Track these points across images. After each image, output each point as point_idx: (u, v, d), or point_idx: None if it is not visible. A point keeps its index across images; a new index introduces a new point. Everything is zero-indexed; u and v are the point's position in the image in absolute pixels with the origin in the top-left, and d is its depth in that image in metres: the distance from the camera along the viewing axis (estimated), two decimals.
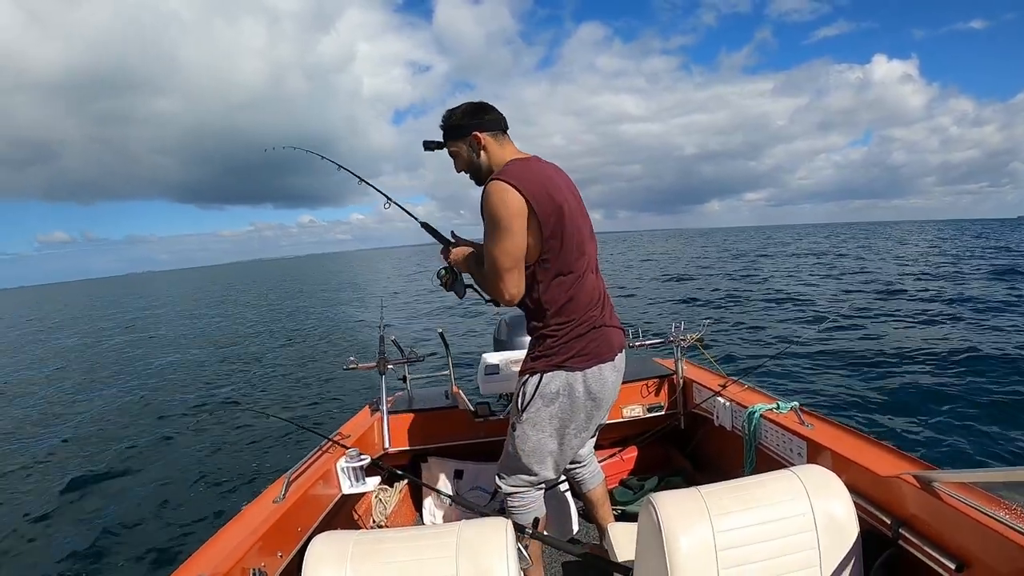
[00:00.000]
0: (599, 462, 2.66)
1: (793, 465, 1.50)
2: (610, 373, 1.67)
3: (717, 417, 2.29)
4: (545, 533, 1.84)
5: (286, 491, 1.72)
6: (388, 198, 2.12)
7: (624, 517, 2.37)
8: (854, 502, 1.16)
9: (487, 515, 1.70)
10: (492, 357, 2.61)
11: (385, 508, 2.47)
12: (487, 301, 1.81)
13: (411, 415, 2.55)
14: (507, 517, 1.36)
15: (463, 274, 1.84)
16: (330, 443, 2.11)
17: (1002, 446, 4.05)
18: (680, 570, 1.06)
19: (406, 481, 2.41)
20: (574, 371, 1.61)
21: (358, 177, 2.25)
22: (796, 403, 1.91)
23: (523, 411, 1.67)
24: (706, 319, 2.70)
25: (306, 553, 1.09)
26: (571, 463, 1.96)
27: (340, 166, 2.28)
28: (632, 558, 1.31)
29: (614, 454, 2.70)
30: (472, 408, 2.55)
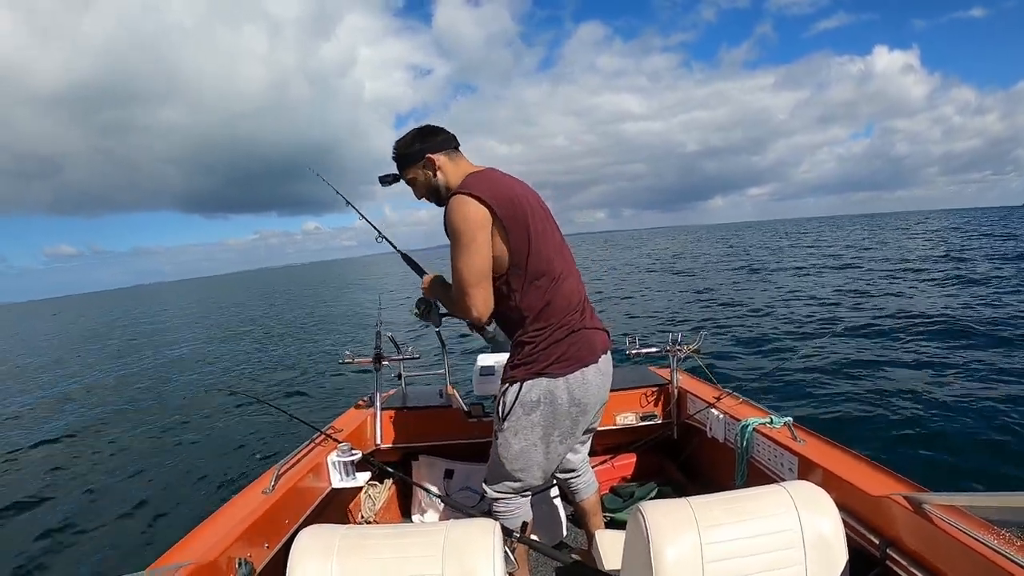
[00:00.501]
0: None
1: (784, 480, 1.50)
2: (594, 376, 1.65)
3: (710, 429, 2.29)
4: (533, 538, 1.84)
5: (275, 483, 1.72)
6: (379, 232, 2.22)
7: (613, 524, 2.37)
8: (843, 520, 1.16)
9: (475, 516, 1.70)
10: (488, 358, 2.61)
11: (374, 504, 2.47)
12: (472, 329, 1.81)
13: (404, 412, 2.55)
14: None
15: (436, 302, 1.84)
16: (322, 436, 2.11)
17: (994, 470, 4.06)
18: None
19: (396, 478, 2.41)
20: (555, 377, 1.59)
21: (359, 213, 2.31)
22: (789, 418, 1.91)
23: (504, 420, 1.66)
24: (703, 330, 2.70)
25: (292, 545, 1.08)
26: (565, 472, 1.95)
27: (346, 200, 2.35)
28: (619, 566, 1.31)
29: (605, 461, 2.69)
30: (465, 408, 2.55)
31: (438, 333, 2.73)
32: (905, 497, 1.30)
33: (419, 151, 1.65)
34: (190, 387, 8.69)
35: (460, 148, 1.69)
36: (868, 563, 1.34)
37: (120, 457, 5.62)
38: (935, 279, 13.94)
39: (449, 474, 2.61)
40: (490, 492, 1.78)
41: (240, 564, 1.39)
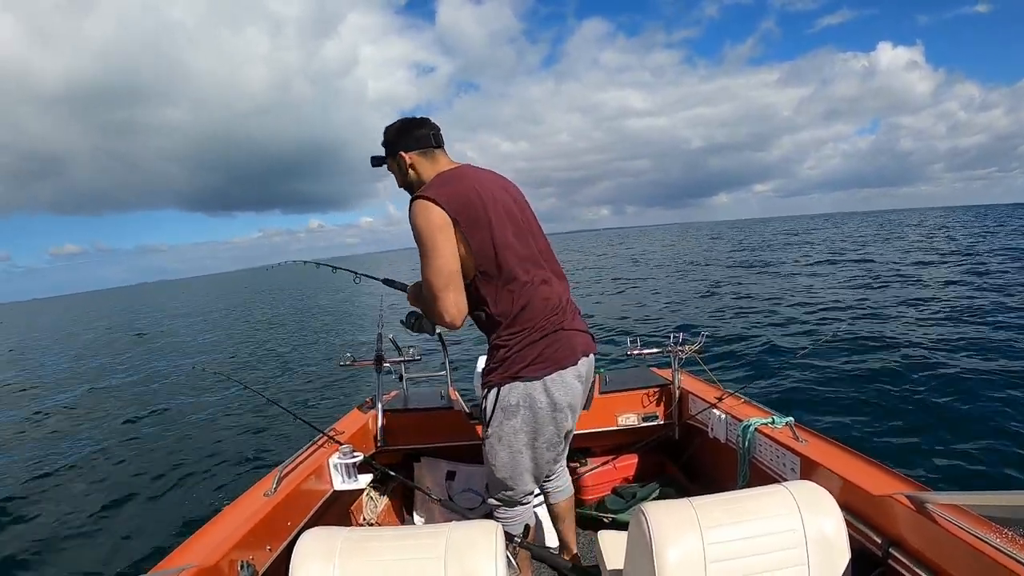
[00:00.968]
0: (592, 469, 2.67)
1: (786, 480, 1.50)
2: (573, 379, 1.60)
3: (712, 429, 2.28)
4: (533, 542, 1.84)
5: (277, 485, 1.72)
6: (357, 274, 2.40)
7: (615, 525, 2.37)
8: (846, 520, 1.16)
9: (477, 518, 1.70)
10: None
11: (376, 506, 2.47)
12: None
13: (406, 414, 2.55)
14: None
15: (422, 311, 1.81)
16: (324, 438, 2.11)
17: (997, 469, 4.05)
18: None
19: (398, 480, 2.41)
20: (531, 380, 1.55)
21: (344, 270, 2.58)
22: (791, 418, 1.91)
23: (488, 426, 1.64)
24: (704, 331, 2.70)
25: (295, 548, 1.08)
26: None
27: (355, 274, 2.58)
28: (621, 567, 1.31)
29: (607, 462, 2.69)
30: (467, 409, 2.55)
31: (439, 335, 2.73)
32: (908, 496, 1.30)
33: (394, 145, 1.65)
34: (190, 387, 8.69)
35: (442, 145, 1.67)
36: (871, 563, 1.34)
37: (120, 459, 5.62)
38: (941, 277, 13.92)
39: (451, 476, 2.61)
40: (491, 500, 1.78)
41: (242, 567, 1.39)
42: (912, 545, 1.28)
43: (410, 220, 1.51)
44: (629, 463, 2.76)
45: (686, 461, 2.70)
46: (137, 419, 7.10)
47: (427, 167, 1.63)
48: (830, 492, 1.18)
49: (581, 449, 2.72)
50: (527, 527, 1.77)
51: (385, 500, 2.53)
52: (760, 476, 1.92)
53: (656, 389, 2.62)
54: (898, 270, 16.02)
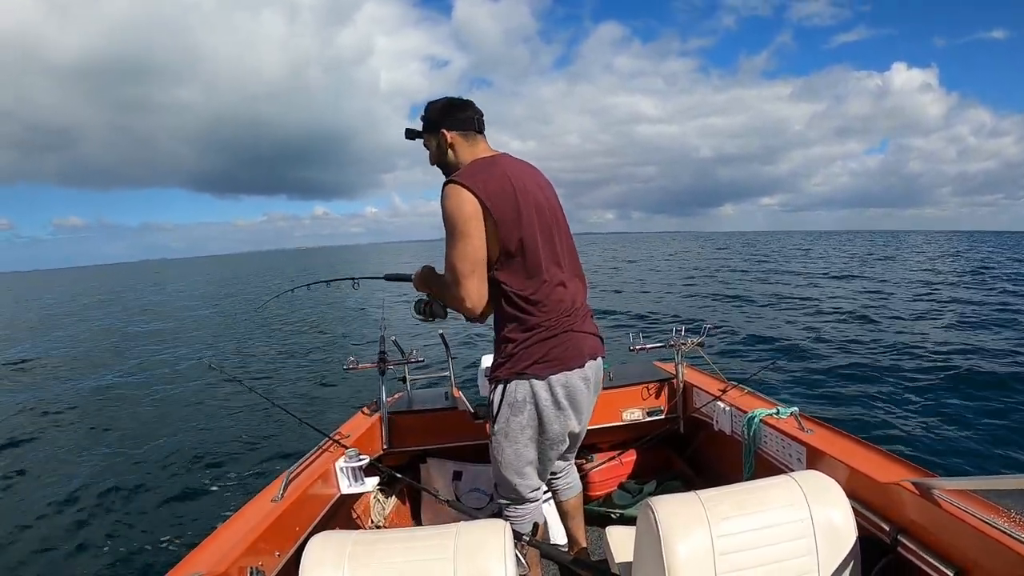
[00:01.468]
0: (599, 465, 2.67)
1: (792, 471, 1.50)
2: (579, 382, 1.59)
3: (717, 422, 2.28)
4: (543, 541, 1.84)
5: (284, 490, 1.72)
6: (355, 280, 2.43)
7: (623, 521, 2.37)
8: (853, 508, 1.16)
9: (486, 517, 1.70)
10: (492, 359, 2.61)
11: (384, 508, 2.47)
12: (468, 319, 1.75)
13: (411, 415, 2.55)
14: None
15: (433, 296, 1.79)
16: (329, 442, 2.12)
17: (1003, 454, 4.05)
18: (678, 575, 1.06)
19: (405, 482, 2.42)
20: (538, 379, 1.54)
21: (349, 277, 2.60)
22: (796, 409, 1.90)
23: (495, 422, 1.63)
24: (707, 324, 2.69)
25: (304, 553, 1.09)
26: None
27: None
28: (630, 561, 1.31)
29: (613, 457, 2.69)
30: (472, 409, 2.55)
31: (441, 335, 2.73)
32: (914, 483, 1.30)
33: (437, 123, 1.63)
34: (190, 388, 8.70)
35: (483, 131, 1.66)
36: (880, 550, 1.34)
37: (125, 466, 5.62)
38: (944, 279, 13.91)
39: (458, 476, 2.61)
40: (500, 500, 1.78)
41: (252, 573, 1.39)
42: (920, 531, 1.28)
43: (442, 203, 1.50)
44: (635, 458, 2.76)
45: (692, 454, 2.70)
46: (141, 426, 7.11)
47: (466, 150, 1.62)
48: (837, 481, 1.18)
49: (586, 445, 2.72)
50: (536, 525, 1.77)
51: (392, 502, 2.53)
52: (766, 467, 1.92)
53: (660, 384, 2.62)
54: (904, 279, 16.01)
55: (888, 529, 1.35)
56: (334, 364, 9.12)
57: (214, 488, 4.80)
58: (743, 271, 22.30)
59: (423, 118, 1.67)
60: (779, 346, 7.63)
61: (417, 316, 1.84)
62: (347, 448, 2.03)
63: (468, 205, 1.46)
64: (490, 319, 1.68)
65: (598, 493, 2.66)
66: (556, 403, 1.57)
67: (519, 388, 1.56)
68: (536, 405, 1.57)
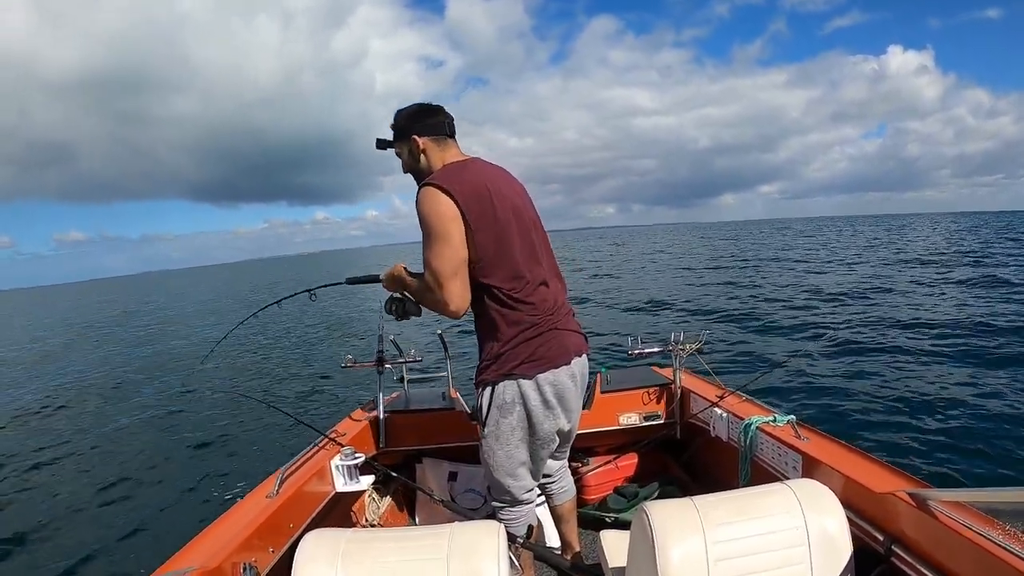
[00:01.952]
0: (594, 469, 2.67)
1: (788, 478, 1.50)
2: (566, 379, 1.60)
3: (713, 428, 2.28)
4: (537, 543, 1.84)
5: (279, 487, 1.72)
6: (311, 291, 2.36)
7: (617, 525, 2.37)
8: (848, 517, 1.16)
9: (480, 518, 1.69)
10: None
11: (378, 507, 2.47)
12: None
13: (407, 415, 2.55)
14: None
15: (406, 294, 1.77)
16: (325, 440, 2.11)
17: (999, 466, 4.04)
18: None
19: (400, 481, 2.41)
20: (524, 379, 1.54)
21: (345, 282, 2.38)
22: (793, 416, 1.90)
23: (484, 425, 1.63)
24: (705, 329, 2.70)
25: (297, 550, 1.09)
26: (543, 476, 1.90)
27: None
28: (624, 566, 1.31)
29: (609, 461, 2.69)
30: (469, 410, 2.55)
31: (440, 336, 2.73)
32: (910, 494, 1.30)
33: (407, 129, 1.63)
34: (191, 387, 8.69)
35: (454, 135, 1.66)
36: (873, 560, 1.33)
37: (120, 462, 5.62)
38: (944, 278, 13.91)
39: (453, 476, 2.61)
40: (493, 502, 1.77)
41: (245, 569, 1.39)
42: (914, 542, 1.28)
43: (417, 207, 1.49)
44: (631, 462, 2.76)
45: (688, 460, 2.70)
46: (137, 421, 7.11)
47: (437, 155, 1.62)
48: (832, 490, 1.18)
49: (583, 449, 2.72)
50: (530, 527, 1.77)
51: (387, 501, 2.53)
52: (762, 474, 1.92)
53: (657, 388, 2.62)
54: (902, 274, 16.01)
55: (882, 539, 1.35)
56: (331, 363, 9.12)
57: (209, 484, 4.80)
58: (740, 266, 22.33)
59: (393, 127, 1.67)
60: (777, 353, 7.64)
61: (388, 316, 1.83)
62: (343, 446, 2.03)
63: (445, 207, 1.46)
64: (471, 324, 1.67)
65: (593, 497, 2.66)
66: (545, 402, 1.58)
67: (507, 389, 1.56)
68: (525, 405, 1.57)
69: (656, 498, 2.38)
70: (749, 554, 1.09)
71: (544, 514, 2.26)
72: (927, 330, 8.16)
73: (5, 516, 4.53)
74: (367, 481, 2.02)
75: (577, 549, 2.06)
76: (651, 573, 1.07)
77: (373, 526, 2.38)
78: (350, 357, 2.56)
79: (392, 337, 2.53)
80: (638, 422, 2.61)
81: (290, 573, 1.06)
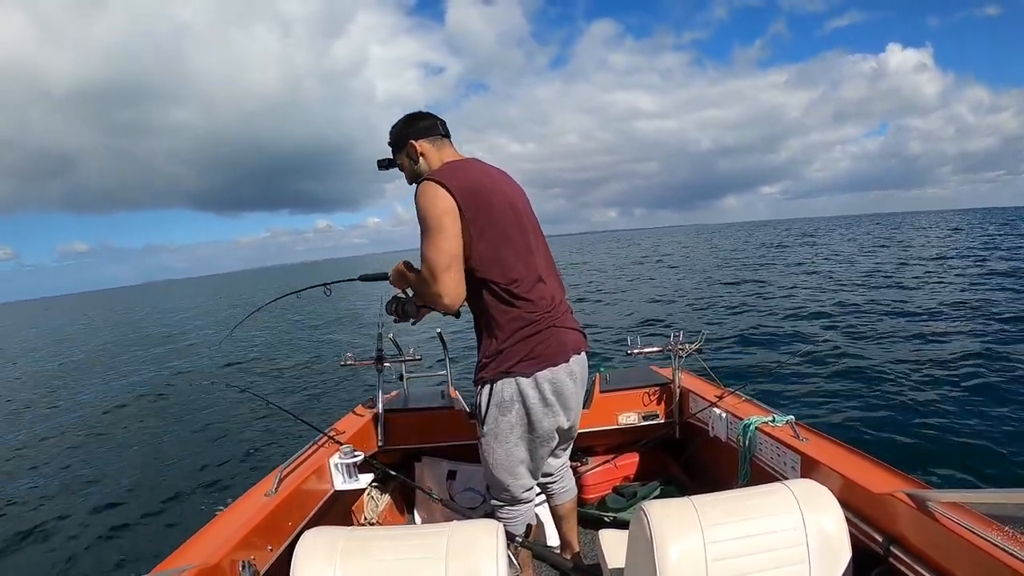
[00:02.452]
0: (593, 468, 2.67)
1: (787, 479, 1.49)
2: (565, 377, 1.60)
3: (712, 428, 2.28)
4: (536, 542, 1.84)
5: (278, 485, 1.72)
6: (327, 285, 2.27)
7: (616, 525, 2.37)
8: (847, 518, 1.16)
9: (478, 517, 1.69)
10: None
11: (377, 506, 2.47)
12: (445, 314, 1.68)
13: (406, 414, 2.55)
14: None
15: (410, 293, 1.76)
16: (324, 438, 2.11)
17: (998, 467, 4.05)
18: None
19: (399, 480, 2.42)
20: (523, 376, 1.55)
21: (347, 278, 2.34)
22: (792, 417, 1.90)
23: (483, 423, 1.63)
24: (704, 329, 2.70)
25: (296, 548, 1.08)
26: (543, 475, 1.91)
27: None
28: (622, 566, 1.31)
29: (608, 461, 2.69)
30: (468, 409, 2.55)
31: (439, 335, 2.73)
32: (908, 494, 1.30)
33: (403, 137, 1.65)
34: (191, 387, 8.69)
35: (448, 136, 1.68)
36: (872, 561, 1.33)
37: (119, 459, 5.62)
38: (942, 277, 13.91)
39: (452, 475, 2.61)
40: (492, 501, 1.78)
41: (243, 567, 1.39)
42: (913, 543, 1.28)
43: (416, 201, 1.50)
44: (630, 462, 2.76)
45: (687, 460, 2.70)
46: (136, 420, 7.11)
47: (435, 155, 1.64)
48: (831, 490, 1.18)
49: (582, 448, 2.72)
50: (529, 526, 1.77)
51: (386, 500, 2.53)
52: (761, 475, 1.92)
53: (657, 388, 2.62)
54: (903, 272, 16.01)
55: (881, 540, 1.35)
56: (331, 361, 9.12)
57: (207, 482, 4.80)
58: (740, 266, 22.33)
59: (390, 143, 1.69)
60: (776, 354, 7.64)
61: (387, 313, 1.82)
62: (342, 444, 2.03)
63: (442, 200, 1.47)
64: (470, 324, 1.67)
65: (592, 496, 2.66)
66: (544, 400, 1.58)
67: (506, 387, 1.56)
68: (524, 403, 1.57)
69: (655, 498, 2.38)
70: (747, 554, 1.09)
71: (543, 513, 2.26)
72: (928, 330, 8.17)
73: (5, 516, 4.53)
74: (366, 479, 2.02)
75: (576, 548, 2.06)
76: (649, 572, 1.07)
77: (372, 524, 2.38)
78: (349, 355, 2.56)
79: (392, 336, 2.53)
80: (637, 422, 2.61)
81: (289, 571, 1.05)
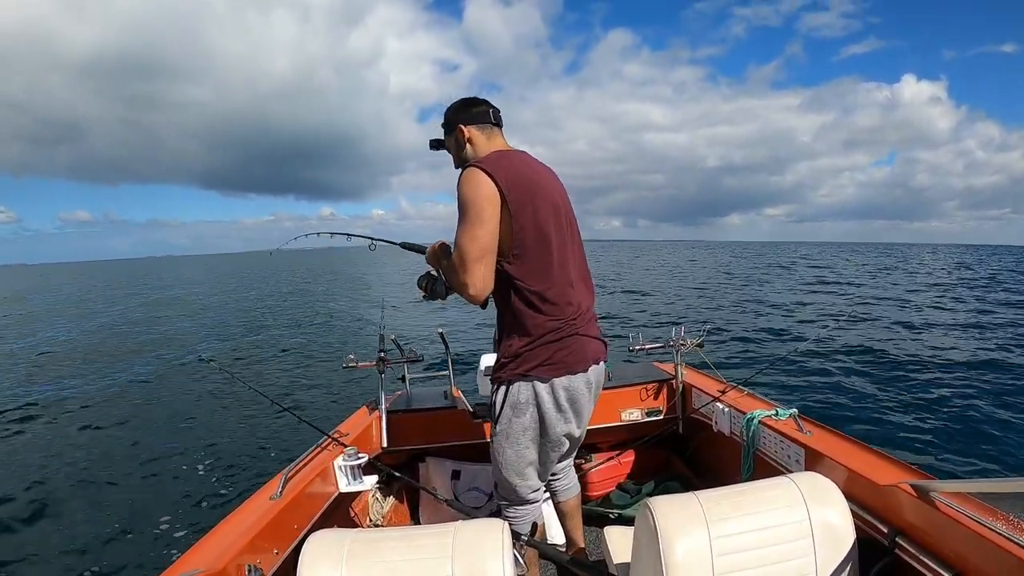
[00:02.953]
0: (597, 465, 2.67)
1: (791, 472, 1.50)
2: (582, 386, 1.58)
3: (716, 422, 2.28)
4: (541, 540, 1.84)
5: (283, 488, 1.72)
6: (373, 239, 2.28)
7: (621, 521, 2.37)
8: (851, 510, 1.16)
9: (484, 516, 1.70)
10: (491, 358, 2.61)
11: (382, 507, 2.47)
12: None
13: (410, 415, 2.55)
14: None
15: (440, 273, 1.74)
16: (328, 441, 2.12)
17: (1000, 457, 4.05)
18: (676, 575, 1.06)
19: (403, 481, 2.42)
20: (541, 381, 1.53)
21: (366, 236, 2.37)
22: (795, 410, 1.90)
23: (496, 423, 1.62)
24: (706, 325, 2.70)
25: (302, 551, 1.09)
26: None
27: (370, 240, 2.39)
28: (628, 562, 1.31)
29: (612, 457, 2.69)
30: (471, 409, 2.55)
31: (441, 334, 2.73)
32: (913, 486, 1.30)
33: (454, 121, 1.65)
34: (193, 388, 8.69)
35: (500, 125, 1.66)
36: (878, 552, 1.33)
37: (122, 463, 5.62)
38: (943, 282, 13.89)
39: (456, 475, 2.61)
40: (499, 500, 1.78)
41: (250, 571, 1.39)
42: (918, 534, 1.28)
43: (459, 186, 1.49)
44: (634, 458, 2.76)
45: (690, 455, 2.70)
46: (137, 422, 7.11)
47: (483, 143, 1.63)
48: (835, 483, 1.18)
49: (585, 445, 2.72)
50: (534, 525, 1.77)
51: (391, 501, 2.53)
52: (765, 468, 1.92)
53: (659, 384, 2.62)
54: (901, 289, 16.00)
55: (886, 531, 1.35)
56: (333, 362, 9.12)
57: (212, 485, 4.80)
58: (746, 278, 22.33)
59: (443, 124, 1.69)
60: (779, 348, 7.64)
61: (419, 288, 1.79)
62: (346, 446, 2.03)
63: (486, 187, 1.44)
64: (492, 317, 1.67)
65: (597, 493, 2.66)
66: (558, 406, 1.57)
67: (522, 390, 1.55)
68: (538, 407, 1.56)
69: (659, 493, 2.39)
70: (753, 548, 1.09)
71: (548, 511, 2.26)
72: (928, 325, 8.16)
73: (5, 516, 4.53)
74: (370, 481, 2.02)
75: (581, 545, 2.06)
76: (655, 568, 1.07)
77: (377, 526, 2.39)
78: (351, 357, 2.56)
79: (393, 336, 2.53)
80: (640, 418, 2.61)
81: (295, 574, 1.06)
